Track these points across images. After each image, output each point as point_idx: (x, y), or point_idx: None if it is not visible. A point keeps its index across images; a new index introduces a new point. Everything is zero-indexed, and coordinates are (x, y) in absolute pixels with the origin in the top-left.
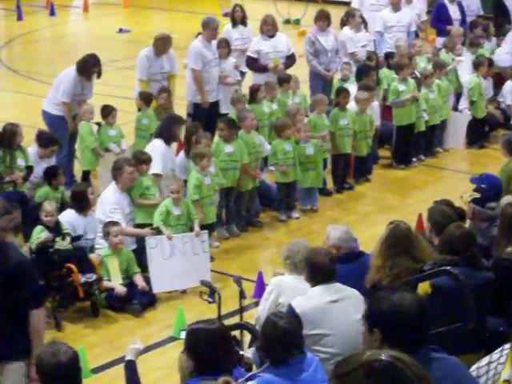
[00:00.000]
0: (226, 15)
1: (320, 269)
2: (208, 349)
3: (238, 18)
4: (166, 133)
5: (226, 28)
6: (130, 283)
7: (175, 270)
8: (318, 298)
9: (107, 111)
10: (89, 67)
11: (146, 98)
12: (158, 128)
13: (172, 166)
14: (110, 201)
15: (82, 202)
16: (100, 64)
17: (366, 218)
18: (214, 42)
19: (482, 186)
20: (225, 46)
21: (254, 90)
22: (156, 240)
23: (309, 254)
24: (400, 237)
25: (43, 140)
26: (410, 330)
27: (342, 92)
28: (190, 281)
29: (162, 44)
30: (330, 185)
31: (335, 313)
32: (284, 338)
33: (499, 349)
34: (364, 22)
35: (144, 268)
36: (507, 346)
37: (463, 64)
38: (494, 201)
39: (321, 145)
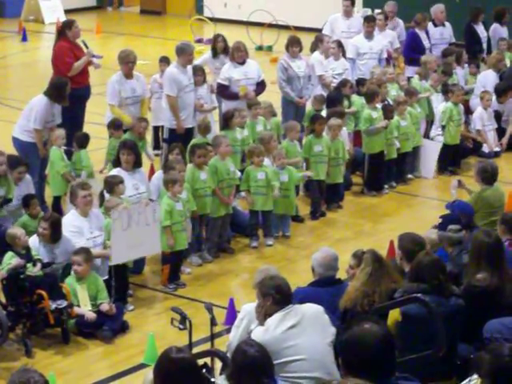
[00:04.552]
0: (198, 41)
1: (279, 291)
2: (175, 379)
3: (220, 49)
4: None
5: (204, 57)
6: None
7: (131, 242)
8: (275, 328)
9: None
10: (63, 91)
11: (115, 127)
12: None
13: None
14: (69, 225)
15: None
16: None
17: (338, 243)
18: (190, 67)
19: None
20: (201, 74)
21: (229, 117)
22: (118, 212)
23: (266, 278)
24: (382, 260)
25: (9, 163)
26: (370, 362)
27: (318, 119)
28: (142, 251)
29: (128, 62)
30: (302, 211)
31: (296, 337)
32: (254, 367)
33: (467, 379)
34: (342, 49)
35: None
36: (475, 375)
37: (436, 95)
38: (457, 223)
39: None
